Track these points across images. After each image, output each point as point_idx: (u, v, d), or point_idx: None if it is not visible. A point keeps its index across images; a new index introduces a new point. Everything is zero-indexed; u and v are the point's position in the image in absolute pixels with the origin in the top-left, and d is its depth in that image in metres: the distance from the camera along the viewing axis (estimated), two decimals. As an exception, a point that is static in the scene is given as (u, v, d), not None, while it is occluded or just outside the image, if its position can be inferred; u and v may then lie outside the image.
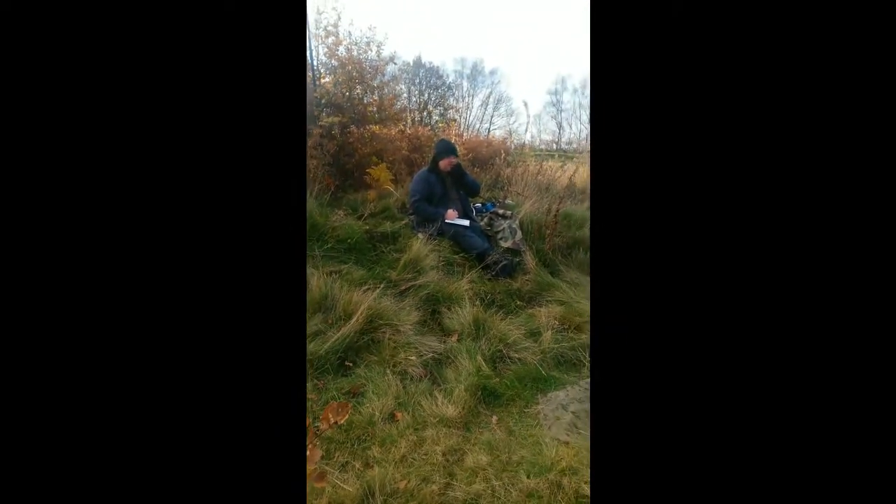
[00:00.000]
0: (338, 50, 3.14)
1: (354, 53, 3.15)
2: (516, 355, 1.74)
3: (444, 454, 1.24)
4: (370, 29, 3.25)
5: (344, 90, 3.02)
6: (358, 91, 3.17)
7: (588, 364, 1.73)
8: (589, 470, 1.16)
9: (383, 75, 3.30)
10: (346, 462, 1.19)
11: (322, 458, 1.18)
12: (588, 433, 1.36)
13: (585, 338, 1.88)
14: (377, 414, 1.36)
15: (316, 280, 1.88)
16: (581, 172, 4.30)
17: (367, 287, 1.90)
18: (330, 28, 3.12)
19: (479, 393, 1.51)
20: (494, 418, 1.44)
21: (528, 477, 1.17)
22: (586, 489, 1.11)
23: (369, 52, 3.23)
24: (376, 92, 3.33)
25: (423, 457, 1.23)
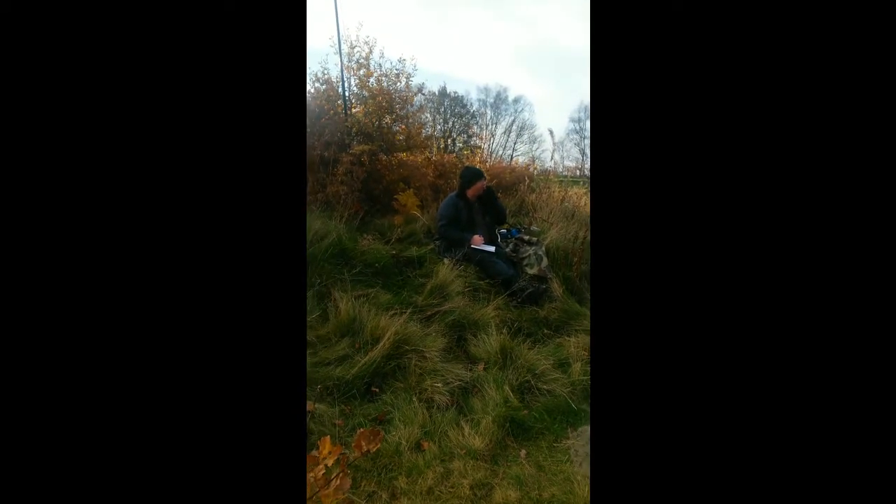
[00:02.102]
0: (369, 81, 3.29)
1: (385, 85, 3.29)
2: (545, 386, 1.70)
3: (471, 488, 1.20)
4: (400, 61, 3.38)
5: (374, 120, 3.14)
6: (387, 120, 3.29)
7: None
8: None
9: (411, 105, 3.42)
10: (373, 492, 1.17)
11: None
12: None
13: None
14: (404, 443, 1.34)
15: (344, 303, 1.91)
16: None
17: (393, 312, 1.91)
18: (362, 61, 3.28)
19: (507, 425, 1.47)
20: (523, 452, 1.39)
21: (561, 517, 1.12)
22: (623, 534, 1.05)
23: (399, 83, 3.37)
24: (404, 121, 3.45)
25: (451, 490, 1.20)
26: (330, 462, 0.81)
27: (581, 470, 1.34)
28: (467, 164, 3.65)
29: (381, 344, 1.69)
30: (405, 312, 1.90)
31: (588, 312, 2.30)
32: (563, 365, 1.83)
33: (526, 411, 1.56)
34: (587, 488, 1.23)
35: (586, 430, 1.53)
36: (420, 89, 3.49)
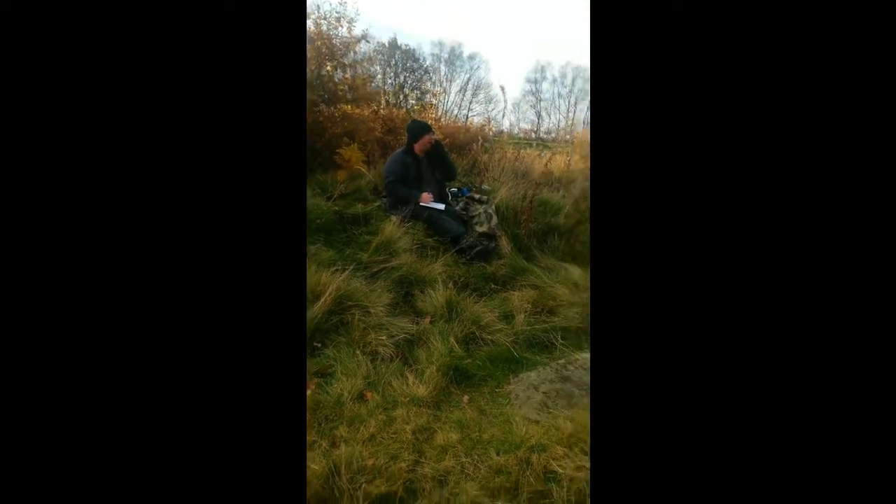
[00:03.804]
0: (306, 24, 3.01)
1: (324, 29, 3.03)
2: (489, 337, 1.73)
3: (413, 433, 1.21)
4: (340, 3, 3.11)
5: (312, 66, 2.90)
6: (328, 68, 3.05)
7: (559, 346, 1.74)
8: (557, 447, 1.16)
9: (355, 53, 3.19)
10: (313, 441, 1.15)
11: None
12: (559, 412, 1.37)
13: (558, 321, 1.89)
14: (346, 394, 1.32)
15: (283, 261, 1.81)
16: (557, 160, 4.32)
17: (335, 268, 1.84)
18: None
19: (451, 373, 1.50)
20: (466, 398, 1.43)
21: (498, 454, 1.16)
22: (554, 465, 1.11)
23: (340, 28, 3.11)
24: (349, 70, 3.22)
25: (393, 435, 1.20)
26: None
27: (520, 412, 1.40)
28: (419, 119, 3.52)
29: (322, 300, 1.63)
30: (348, 269, 1.83)
31: (535, 269, 2.36)
32: (507, 317, 1.87)
33: (470, 360, 1.59)
34: (525, 429, 1.29)
35: (527, 375, 1.59)
36: (364, 36, 3.26)
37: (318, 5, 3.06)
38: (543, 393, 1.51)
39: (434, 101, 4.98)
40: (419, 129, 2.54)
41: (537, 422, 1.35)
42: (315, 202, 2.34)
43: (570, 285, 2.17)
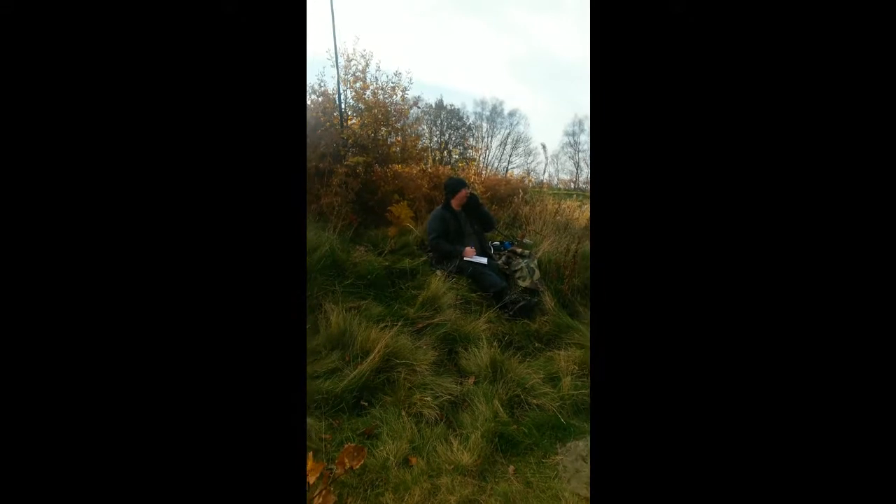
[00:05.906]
0: (365, 94, 3.33)
1: (381, 97, 3.33)
2: (534, 401, 1.69)
3: (458, 505, 1.19)
4: (396, 74, 3.43)
5: (370, 132, 3.17)
6: (383, 132, 3.32)
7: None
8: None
9: (407, 118, 3.46)
10: (359, 509, 1.15)
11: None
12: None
13: (606, 384, 1.82)
14: (391, 458, 1.32)
15: (335, 315, 1.90)
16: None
17: (384, 324, 1.91)
18: (358, 74, 3.32)
19: (496, 440, 1.47)
20: (511, 468, 1.39)
21: (547, 535, 1.11)
22: (609, 553, 1.04)
23: (395, 96, 3.41)
24: (400, 133, 3.48)
25: (437, 507, 1.18)
26: (313, 479, 0.81)
27: (569, 486, 1.33)
28: (459, 176, 3.69)
29: (371, 357, 1.68)
30: (396, 325, 1.89)
31: (579, 326, 2.31)
32: (553, 379, 1.82)
33: (515, 426, 1.55)
34: (575, 505, 1.23)
35: (575, 445, 1.52)
36: (416, 102, 3.54)
37: (376, 77, 3.40)
38: (593, 466, 1.44)
39: (475, 156, 5.20)
40: (455, 184, 2.68)
41: (587, 499, 1.28)
42: (367, 258, 2.47)
43: (618, 347, 2.09)
